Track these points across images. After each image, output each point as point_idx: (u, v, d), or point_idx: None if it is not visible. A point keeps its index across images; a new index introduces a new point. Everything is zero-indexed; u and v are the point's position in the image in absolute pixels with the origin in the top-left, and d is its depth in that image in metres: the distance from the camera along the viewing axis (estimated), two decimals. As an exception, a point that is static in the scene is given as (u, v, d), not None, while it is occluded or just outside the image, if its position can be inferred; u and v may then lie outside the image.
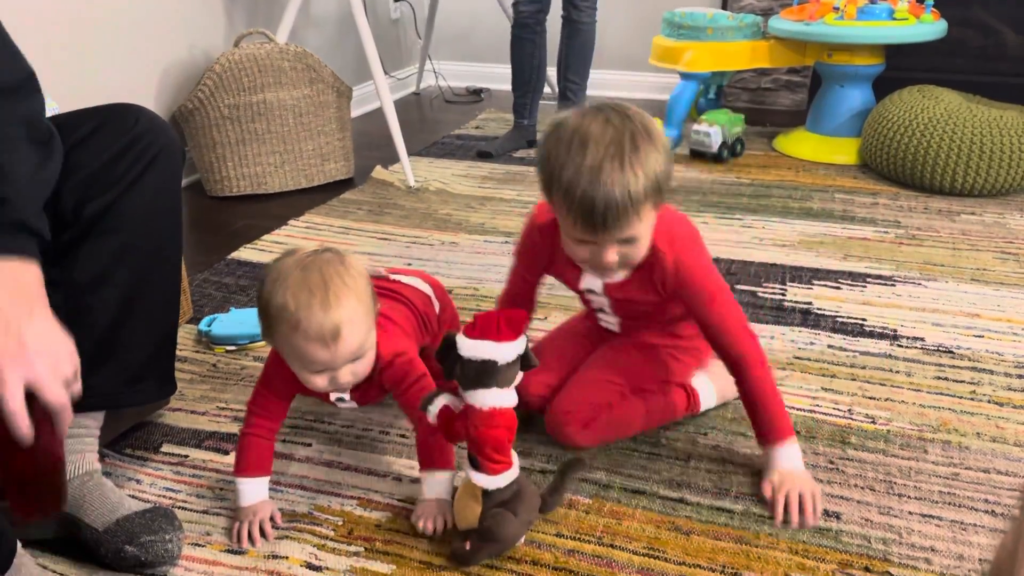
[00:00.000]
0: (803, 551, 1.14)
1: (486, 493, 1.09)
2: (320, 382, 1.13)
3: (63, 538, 1.14)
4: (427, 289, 1.44)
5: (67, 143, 1.14)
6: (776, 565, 1.12)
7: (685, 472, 1.30)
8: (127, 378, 1.20)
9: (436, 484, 1.19)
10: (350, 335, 1.08)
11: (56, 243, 1.13)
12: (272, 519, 1.19)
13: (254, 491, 1.21)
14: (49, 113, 1.21)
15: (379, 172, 2.71)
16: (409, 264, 2.06)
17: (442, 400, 1.12)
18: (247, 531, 1.17)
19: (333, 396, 1.24)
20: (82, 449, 1.17)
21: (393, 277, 1.43)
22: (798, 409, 1.45)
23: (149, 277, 1.20)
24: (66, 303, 1.13)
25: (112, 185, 1.14)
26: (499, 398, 1.06)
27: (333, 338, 1.07)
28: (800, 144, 2.87)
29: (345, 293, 1.08)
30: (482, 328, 1.04)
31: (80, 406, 1.15)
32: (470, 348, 1.04)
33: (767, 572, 1.11)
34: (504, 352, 1.04)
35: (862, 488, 1.26)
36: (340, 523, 1.21)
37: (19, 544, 1.02)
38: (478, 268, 2.04)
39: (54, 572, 1.12)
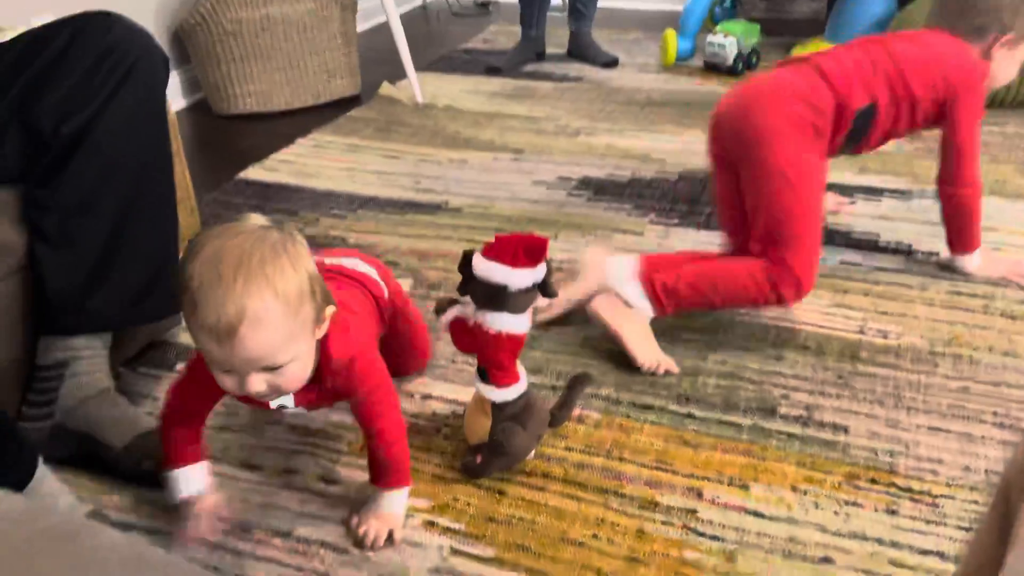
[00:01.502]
0: (811, 464, 1.15)
1: (495, 407, 1.11)
2: (226, 382, 0.92)
3: (82, 455, 1.17)
4: (371, 271, 1.20)
5: (42, 60, 1.10)
6: (784, 477, 1.13)
7: (693, 387, 1.31)
8: (128, 298, 1.20)
9: (390, 500, 1.07)
10: (251, 338, 0.85)
11: (39, 166, 1.11)
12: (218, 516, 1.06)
13: (189, 481, 1.05)
14: (40, 23, 1.18)
15: (386, 88, 2.66)
16: (418, 183, 2.04)
17: (455, 311, 1.11)
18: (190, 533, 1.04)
19: (274, 403, 1.01)
20: (92, 370, 1.18)
21: (329, 261, 1.17)
22: (810, 324, 1.45)
23: (139, 194, 1.18)
24: (58, 227, 1.12)
25: (89, 101, 1.10)
26: (509, 323, 1.06)
27: (227, 335, 0.85)
28: (818, 55, 2.78)
29: (261, 285, 0.85)
30: (498, 251, 1.02)
31: (83, 328, 1.16)
32: (484, 269, 1.03)
33: (775, 484, 1.12)
34: (517, 279, 1.03)
35: (871, 402, 1.26)
36: (354, 439, 1.23)
37: (40, 460, 1.04)
38: (488, 186, 2.02)
39: (75, 486, 1.15)
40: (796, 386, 1.31)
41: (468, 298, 1.08)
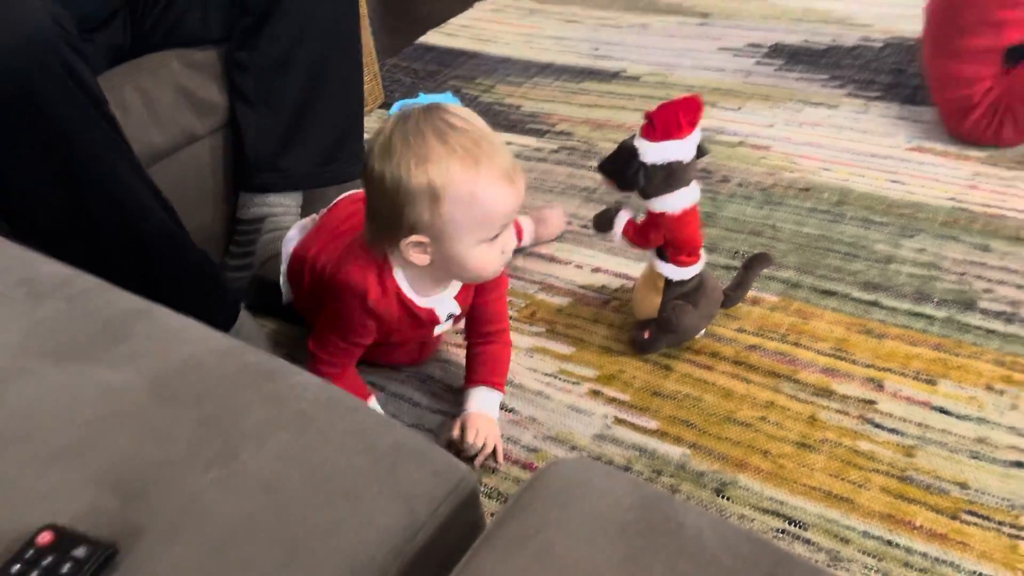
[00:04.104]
0: (1011, 363, 1.06)
1: (668, 284, 1.08)
2: (496, 255, 0.93)
3: (277, 304, 1.26)
4: None
5: None
6: (978, 376, 1.05)
7: (884, 274, 1.22)
8: (319, 159, 1.26)
9: (484, 399, 1.06)
10: (522, 179, 0.92)
11: (239, 29, 1.17)
12: None
13: None
14: None
15: (567, -52, 2.54)
16: (596, 49, 1.97)
17: (624, 216, 1.09)
18: None
19: (443, 315, 1.03)
20: (285, 225, 1.25)
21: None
22: (1025, 213, 1.30)
23: (329, 57, 1.21)
24: (255, 87, 1.18)
25: None
26: (687, 197, 1.02)
27: (516, 174, 0.90)
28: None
29: (501, 140, 0.93)
30: (663, 128, 0.97)
31: (277, 186, 1.24)
32: (655, 153, 0.98)
33: (967, 382, 1.04)
34: (687, 149, 0.99)
35: (1092, 302, 1.13)
36: (523, 305, 1.25)
37: (242, 306, 1.14)
38: (669, 53, 1.91)
39: (271, 329, 1.24)
40: (1002, 279, 1.19)
41: (630, 195, 1.05)
